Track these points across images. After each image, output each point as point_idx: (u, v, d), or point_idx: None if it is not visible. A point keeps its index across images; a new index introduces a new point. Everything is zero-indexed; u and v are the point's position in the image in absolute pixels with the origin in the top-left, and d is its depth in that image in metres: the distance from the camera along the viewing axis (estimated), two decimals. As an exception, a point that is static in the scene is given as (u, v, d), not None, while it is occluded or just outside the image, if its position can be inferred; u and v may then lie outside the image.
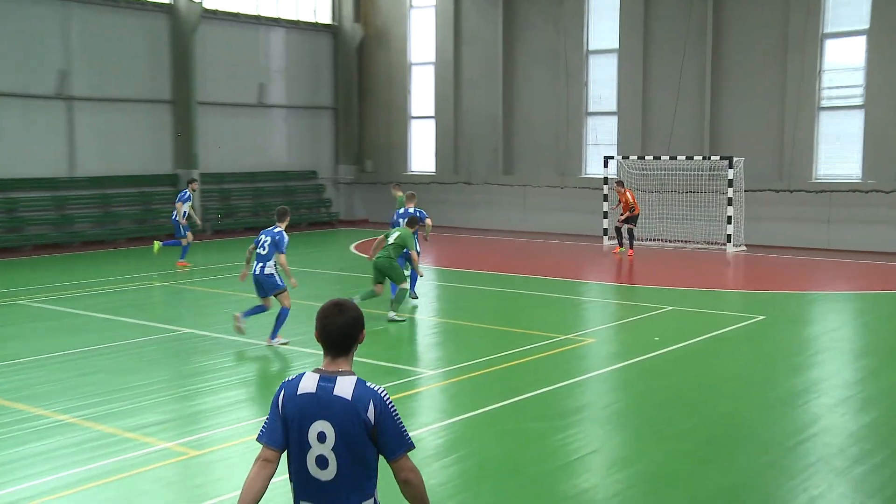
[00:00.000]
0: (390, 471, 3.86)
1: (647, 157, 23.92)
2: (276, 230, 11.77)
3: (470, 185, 29.18)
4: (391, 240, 13.64)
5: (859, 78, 22.64)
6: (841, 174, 23.07)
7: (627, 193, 21.33)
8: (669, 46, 25.04)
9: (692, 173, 23.40)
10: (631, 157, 24.29)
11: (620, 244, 21.73)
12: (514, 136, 28.47)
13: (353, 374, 3.88)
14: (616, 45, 26.20)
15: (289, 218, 12.01)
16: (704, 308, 14.79)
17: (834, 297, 16.05)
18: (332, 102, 31.25)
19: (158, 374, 10.40)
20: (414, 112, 30.89)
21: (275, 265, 11.72)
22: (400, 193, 19.24)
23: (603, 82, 26.76)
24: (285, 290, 11.86)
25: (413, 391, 9.72)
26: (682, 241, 23.22)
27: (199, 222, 20.57)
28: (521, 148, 28.42)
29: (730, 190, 22.10)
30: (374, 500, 3.88)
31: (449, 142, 29.57)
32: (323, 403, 3.79)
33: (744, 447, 7.80)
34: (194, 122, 26.02)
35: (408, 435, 3.86)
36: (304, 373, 3.92)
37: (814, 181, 23.21)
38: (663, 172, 23.99)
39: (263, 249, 11.66)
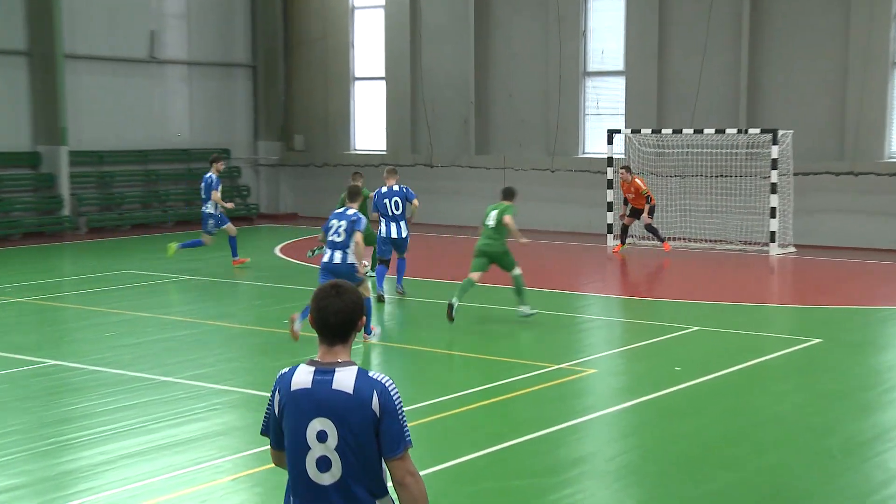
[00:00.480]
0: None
1: (664, 131, 24.07)
2: (349, 212, 13.33)
3: (433, 167, 29.18)
4: (491, 221, 14.82)
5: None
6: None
7: (637, 181, 21.44)
8: (694, -15, 25.27)
9: (724, 152, 23.55)
10: (643, 131, 24.42)
11: (623, 241, 21.86)
12: (491, 104, 28.51)
13: (354, 363, 4.49)
14: (624, -18, 26.40)
15: (361, 199, 14.08)
16: (741, 328, 14.87)
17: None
18: (250, 59, 31.12)
19: (11, 422, 10.18)
20: (358, 72, 30.84)
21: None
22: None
23: (607, 32, 26.92)
24: (364, 282, 13.32)
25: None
26: (710, 241, 23.36)
27: (227, 205, 20.47)
28: (499, 119, 28.47)
29: (773, 173, 22.28)
30: (390, 499, 4.51)
31: (405, 111, 29.54)
32: (320, 399, 4.41)
33: (795, 512, 7.85)
34: (61, 82, 25.72)
35: (408, 432, 4.47)
36: (298, 364, 4.53)
37: (886, 160, 23.49)
38: (686, 151, 24.15)
39: (339, 236, 13.14)
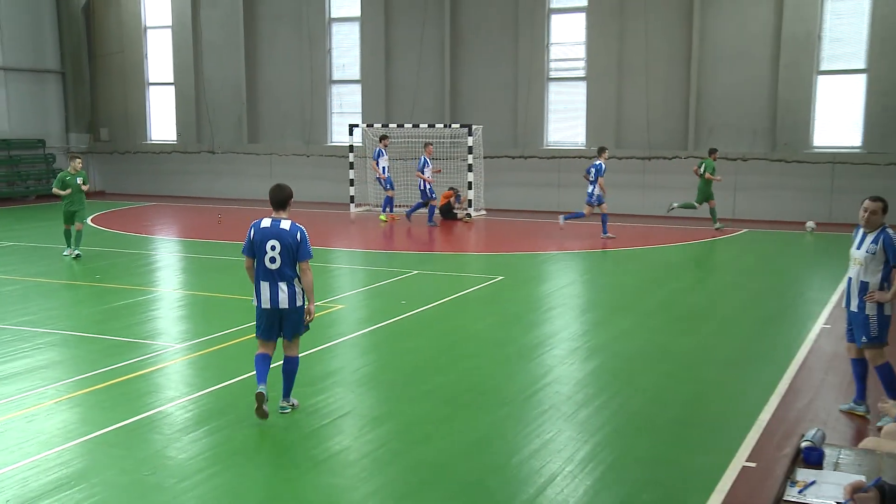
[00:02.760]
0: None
1: (391, 125, 24.37)
2: (597, 162, 18.55)
3: (214, 154, 28.36)
4: None
5: (581, 52, 24.32)
6: (569, 141, 24.75)
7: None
8: (410, 15, 25.56)
9: (435, 141, 24.10)
10: (375, 125, 24.64)
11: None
12: (259, 104, 27.96)
13: (289, 218, 7.56)
14: (358, 12, 26.37)
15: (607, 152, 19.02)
16: (448, 271, 15.35)
17: (564, 257, 17.19)
18: (59, 66, 29.05)
19: None
20: (152, 78, 29.44)
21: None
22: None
23: (346, 50, 26.87)
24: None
25: (158, 366, 9.40)
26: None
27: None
28: (266, 116, 27.97)
29: (470, 157, 23.03)
30: (297, 279, 7.52)
31: (190, 109, 28.53)
32: (274, 231, 7.46)
33: (486, 401, 8.24)
34: None
35: (310, 250, 7.49)
36: (262, 218, 7.55)
37: (545, 148, 24.73)
38: (407, 140, 24.55)
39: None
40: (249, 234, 7.52)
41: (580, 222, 20.26)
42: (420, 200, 21.84)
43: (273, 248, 7.41)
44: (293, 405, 7.88)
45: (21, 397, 8.27)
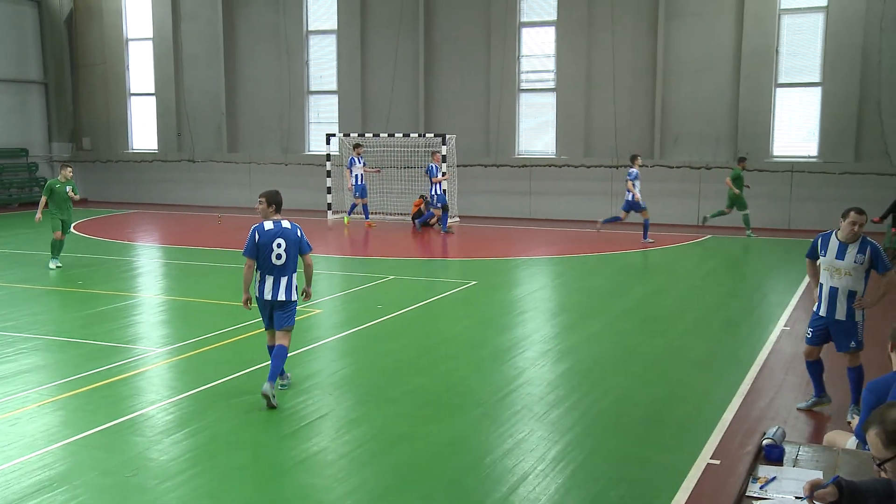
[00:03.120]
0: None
1: (367, 135, 24.36)
2: (630, 170, 18.58)
3: (194, 162, 28.20)
4: None
5: (551, 64, 24.48)
6: (539, 150, 24.87)
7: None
8: (385, 28, 25.59)
9: (409, 150, 24.15)
10: (352, 135, 24.61)
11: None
12: (238, 114, 27.85)
13: (287, 219, 8.25)
14: (335, 25, 26.35)
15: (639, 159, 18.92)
16: (422, 276, 15.36)
17: (535, 262, 17.26)
18: (42, 77, 28.77)
19: None
20: (133, 89, 29.25)
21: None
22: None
23: (323, 62, 26.84)
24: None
25: (140, 370, 9.32)
26: (402, 215, 23.92)
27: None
28: (244, 125, 27.87)
29: (444, 165, 23.06)
30: (295, 273, 8.20)
31: (171, 119, 28.37)
32: (279, 231, 8.09)
33: (461, 402, 8.24)
34: None
35: (309, 244, 8.27)
36: (263, 222, 8.09)
37: (516, 157, 24.83)
38: (383, 149, 24.55)
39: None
40: (253, 238, 8.06)
41: (616, 225, 20.42)
42: (445, 213, 21.61)
43: (279, 245, 8.07)
44: (286, 380, 8.61)
45: (4, 401, 8.17)
